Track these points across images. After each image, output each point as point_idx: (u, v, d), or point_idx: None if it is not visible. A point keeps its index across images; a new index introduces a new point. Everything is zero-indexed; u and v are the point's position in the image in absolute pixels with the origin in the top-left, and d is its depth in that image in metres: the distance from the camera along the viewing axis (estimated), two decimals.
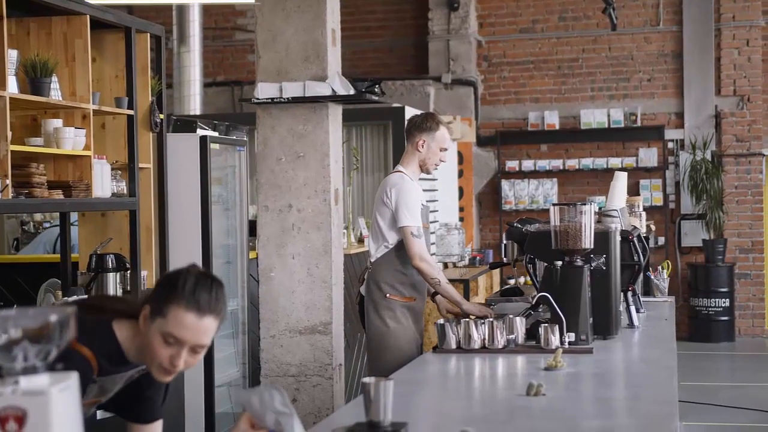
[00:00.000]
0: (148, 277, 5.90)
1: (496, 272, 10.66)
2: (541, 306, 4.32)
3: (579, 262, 4.31)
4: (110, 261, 5.43)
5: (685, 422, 7.78)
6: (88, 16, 5.20)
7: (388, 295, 5.02)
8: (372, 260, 5.13)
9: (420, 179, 8.26)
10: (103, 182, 5.31)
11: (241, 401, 2.39)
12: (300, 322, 5.37)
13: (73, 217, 6.04)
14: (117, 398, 2.78)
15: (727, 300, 11.92)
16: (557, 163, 12.49)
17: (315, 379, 5.40)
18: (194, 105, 10.57)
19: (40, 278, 5.93)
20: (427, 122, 5.16)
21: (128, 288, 5.64)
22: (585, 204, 4.36)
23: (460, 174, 11.95)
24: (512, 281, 10.64)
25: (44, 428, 1.75)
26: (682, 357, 10.47)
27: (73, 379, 1.85)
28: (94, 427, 4.53)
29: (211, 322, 2.51)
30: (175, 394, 5.78)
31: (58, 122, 5.07)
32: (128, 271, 5.63)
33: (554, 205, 4.39)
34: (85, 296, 5.06)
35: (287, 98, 5.31)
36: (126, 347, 2.62)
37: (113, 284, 5.49)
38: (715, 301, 11.90)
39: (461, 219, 11.81)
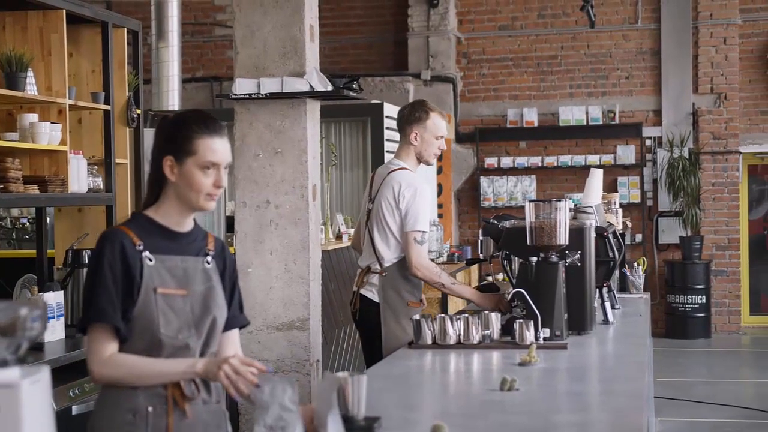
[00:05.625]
0: None
1: (474, 269, 10.69)
2: (517, 302, 4.34)
3: (554, 259, 4.33)
4: (86, 256, 5.40)
5: (661, 418, 7.83)
6: (64, 10, 5.18)
7: (409, 303, 4.90)
8: (386, 264, 4.89)
9: None
10: (80, 177, 5.30)
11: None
12: (277, 318, 5.36)
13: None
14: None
15: (704, 297, 12.00)
16: (536, 160, 12.53)
17: (292, 375, 5.40)
18: (173, 101, 10.52)
19: (17, 273, 5.91)
20: (415, 113, 4.96)
21: None
22: (560, 201, 4.37)
23: (439, 171, 11.98)
24: (490, 277, 10.67)
25: (15, 421, 1.75)
26: (658, 353, 10.59)
27: (44, 372, 1.85)
28: (69, 422, 4.52)
29: (227, 141, 2.93)
30: None
31: (33, 117, 5.05)
32: None
33: (530, 201, 4.40)
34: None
35: (265, 94, 5.29)
36: (163, 219, 2.87)
37: None
38: (692, 298, 11.98)
39: (440, 216, 11.84)
